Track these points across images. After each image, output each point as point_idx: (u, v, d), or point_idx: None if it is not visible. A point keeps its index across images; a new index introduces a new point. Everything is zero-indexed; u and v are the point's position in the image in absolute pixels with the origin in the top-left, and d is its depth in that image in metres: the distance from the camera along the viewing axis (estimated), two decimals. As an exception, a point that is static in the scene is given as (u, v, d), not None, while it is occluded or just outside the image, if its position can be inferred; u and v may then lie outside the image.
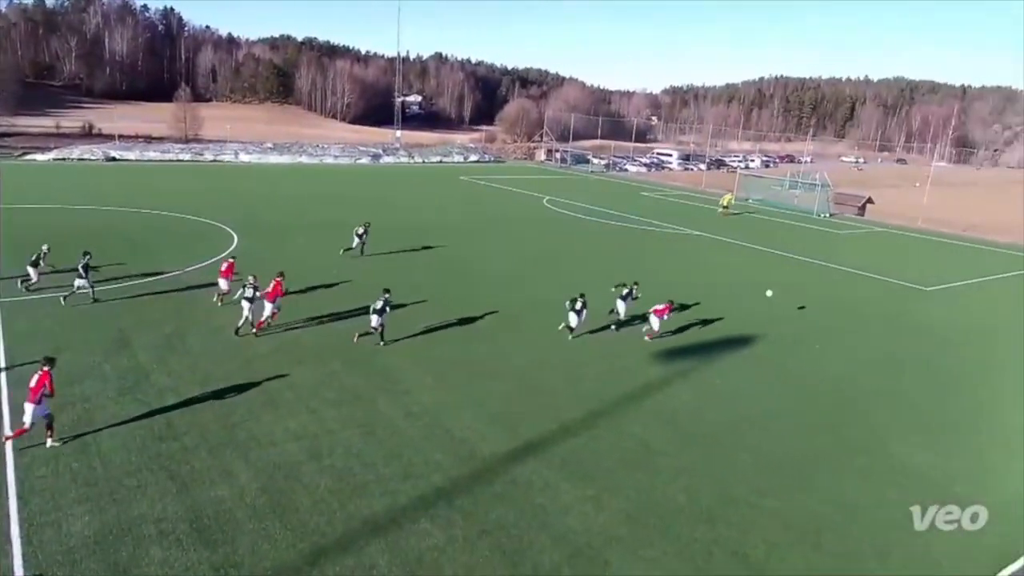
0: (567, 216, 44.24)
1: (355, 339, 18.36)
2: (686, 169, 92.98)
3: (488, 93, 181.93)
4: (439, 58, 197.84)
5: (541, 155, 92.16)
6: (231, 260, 21.97)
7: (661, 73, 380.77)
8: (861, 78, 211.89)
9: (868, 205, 58.11)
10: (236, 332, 18.35)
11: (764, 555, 10.96)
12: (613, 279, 22.66)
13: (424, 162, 77.37)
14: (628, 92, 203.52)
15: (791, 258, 35.48)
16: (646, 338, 20.91)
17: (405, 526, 10.91)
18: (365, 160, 73.71)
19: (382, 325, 18.41)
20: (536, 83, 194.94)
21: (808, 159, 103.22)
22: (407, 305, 21.99)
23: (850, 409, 17.08)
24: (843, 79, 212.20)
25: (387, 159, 75.99)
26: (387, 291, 18.80)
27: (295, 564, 9.89)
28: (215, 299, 21.01)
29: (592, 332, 21.02)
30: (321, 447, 13.06)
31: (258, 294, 18.48)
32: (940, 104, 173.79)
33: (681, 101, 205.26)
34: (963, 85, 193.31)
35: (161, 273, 23.70)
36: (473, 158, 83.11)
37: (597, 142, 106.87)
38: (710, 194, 63.98)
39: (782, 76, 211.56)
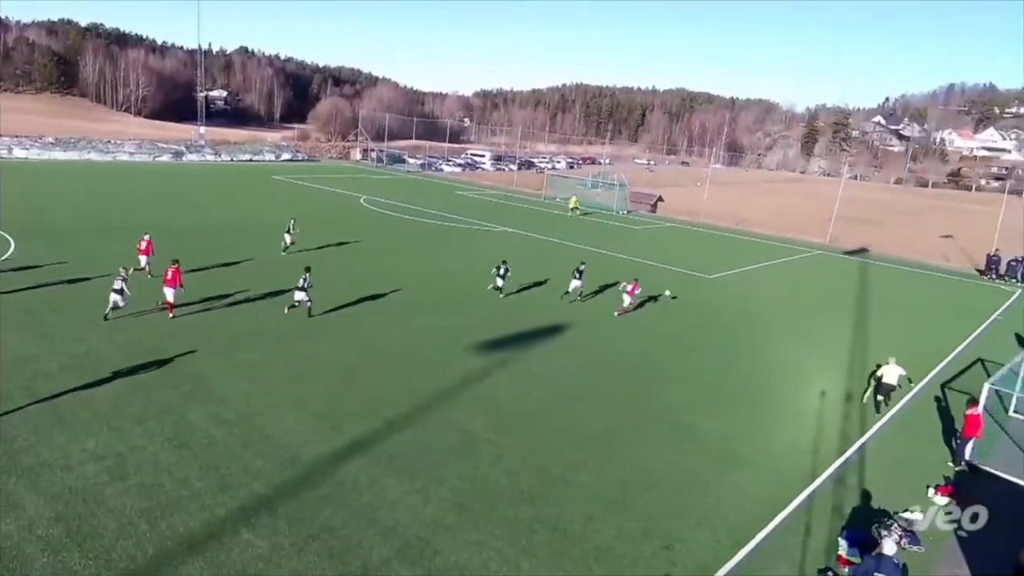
0: (385, 215, 43.71)
1: (286, 310, 20.84)
2: (498, 169, 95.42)
3: (299, 90, 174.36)
4: (245, 52, 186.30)
5: (357, 154, 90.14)
6: (148, 238, 23.75)
7: (472, 76, 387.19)
8: (649, 88, 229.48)
9: (659, 203, 63.28)
10: (104, 318, 18.69)
11: (581, 527, 11.60)
12: (434, 274, 22.79)
13: (233, 160, 72.62)
14: (441, 94, 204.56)
15: (596, 252, 37.68)
16: (615, 313, 24.32)
17: (225, 540, 10.23)
18: (166, 158, 67.69)
19: (309, 300, 20.71)
20: (349, 82, 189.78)
21: (607, 161, 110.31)
22: (217, 308, 20.62)
23: (649, 386, 18.52)
24: (635, 88, 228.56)
25: (191, 157, 70.35)
26: (308, 269, 21.10)
27: (99, 595, 8.93)
28: (143, 269, 22.92)
29: (410, 328, 21.02)
30: (126, 466, 11.87)
31: (127, 287, 18.87)
32: (714, 113, 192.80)
33: (492, 104, 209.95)
34: (732, 97, 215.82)
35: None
36: (286, 157, 79.36)
37: (412, 142, 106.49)
38: (522, 193, 66.29)
39: (582, 84, 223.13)
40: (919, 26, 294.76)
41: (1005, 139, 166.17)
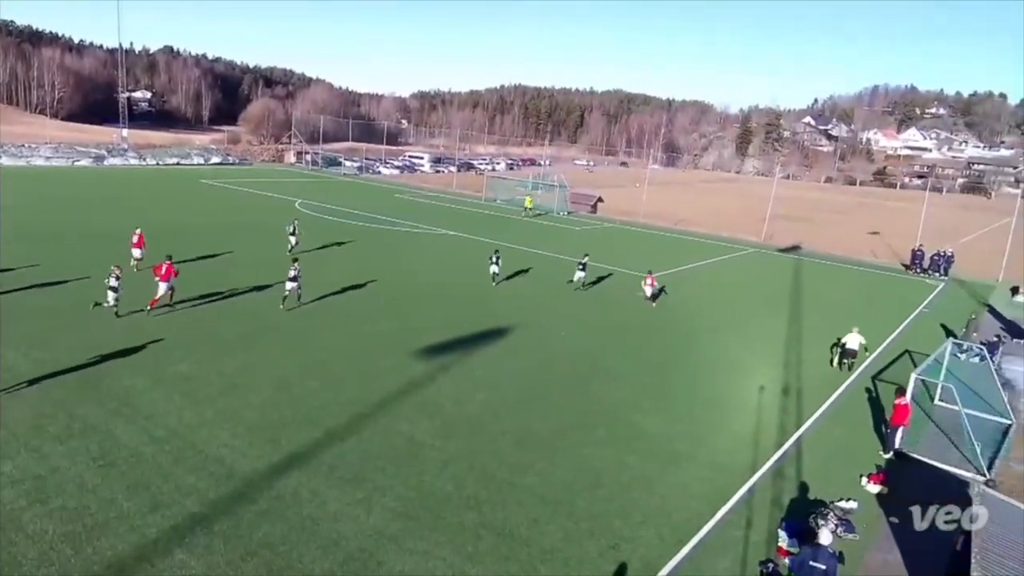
0: (322, 219, 42.96)
1: (293, 303, 22.73)
2: (437, 171, 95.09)
3: (229, 92, 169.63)
4: (170, 52, 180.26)
5: (291, 157, 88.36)
6: (139, 231, 26.08)
7: (409, 77, 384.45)
8: (588, 89, 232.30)
9: (599, 203, 64.15)
10: (116, 314, 19.95)
11: (527, 530, 11.64)
12: (375, 279, 22.54)
13: (159, 164, 70.18)
14: (378, 95, 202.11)
15: (538, 253, 37.92)
16: (651, 304, 28.16)
17: (157, 562, 9.87)
18: (86, 162, 64.93)
19: (299, 289, 22.72)
20: (281, 83, 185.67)
21: (547, 162, 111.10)
22: (150, 319, 19.90)
23: (593, 385, 18.73)
24: (573, 89, 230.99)
25: (113, 161, 67.68)
26: (296, 260, 24.03)
27: (19, 627, 8.48)
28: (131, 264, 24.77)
29: (351, 335, 20.74)
30: (47, 488, 11.31)
31: (122, 285, 20.10)
32: (651, 114, 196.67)
33: (430, 106, 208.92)
34: (669, 98, 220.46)
35: None
36: (215, 160, 77.17)
37: (349, 144, 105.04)
38: (462, 195, 66.18)
39: (520, 85, 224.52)
40: (845, 28, 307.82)
41: (926, 139, 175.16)
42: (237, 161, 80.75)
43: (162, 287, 21.11)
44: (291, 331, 20.64)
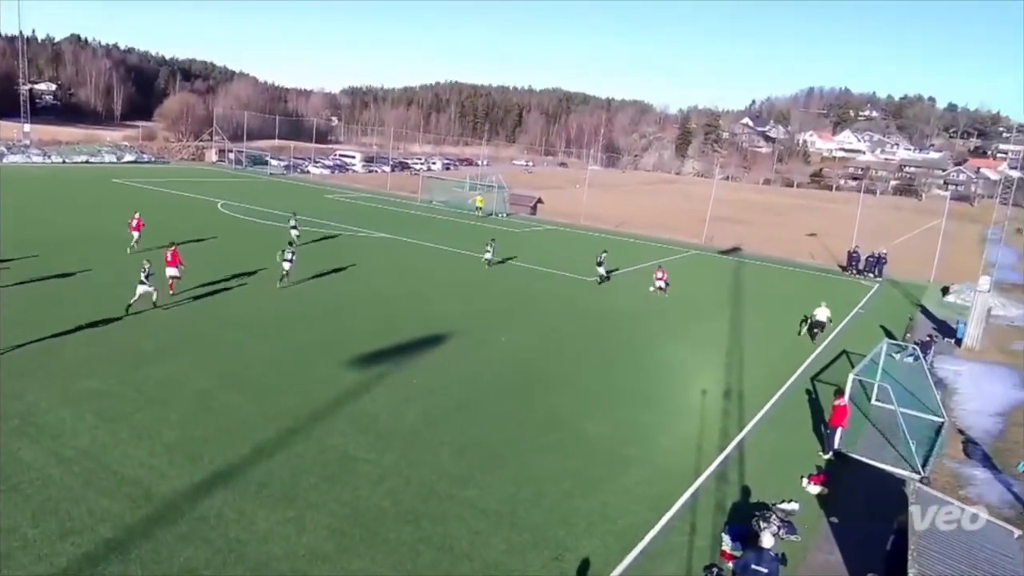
0: (247, 221, 41.94)
1: (277, 285, 25.92)
2: (370, 171, 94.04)
3: (143, 85, 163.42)
4: (77, 41, 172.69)
5: (212, 156, 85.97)
6: (138, 215, 30.57)
7: (339, 73, 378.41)
8: (526, 87, 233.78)
9: (539, 205, 64.64)
10: (126, 309, 21.24)
11: (469, 544, 11.61)
12: (305, 285, 22.14)
13: (65, 162, 67.14)
14: (306, 91, 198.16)
15: (476, 257, 37.93)
16: (652, 289, 32.47)
17: (66, 593, 9.43)
18: (-19, 160, 61.61)
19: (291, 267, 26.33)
20: (201, 76, 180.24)
21: (485, 162, 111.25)
22: (56, 330, 19.01)
23: (534, 392, 18.84)
24: (511, 87, 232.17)
25: (13, 158, 64.33)
26: (291, 243, 29.79)
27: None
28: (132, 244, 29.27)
29: (279, 344, 20.32)
30: (-61, 518, 10.68)
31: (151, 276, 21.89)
32: (591, 114, 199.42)
33: (361, 103, 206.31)
34: (608, 98, 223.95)
35: None
36: (129, 158, 74.29)
37: (275, 142, 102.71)
38: (396, 196, 65.64)
39: (456, 82, 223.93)
40: (781, 29, 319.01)
41: (860, 141, 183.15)
42: (153, 159, 78.02)
43: (169, 271, 23.74)
44: (214, 341, 20.06)
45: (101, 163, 69.86)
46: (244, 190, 57.70)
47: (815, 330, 26.63)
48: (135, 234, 30.02)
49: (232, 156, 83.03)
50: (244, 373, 17.89)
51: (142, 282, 21.72)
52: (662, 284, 32.50)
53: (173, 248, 24.12)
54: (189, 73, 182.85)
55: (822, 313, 26.84)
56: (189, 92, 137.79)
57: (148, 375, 17.06)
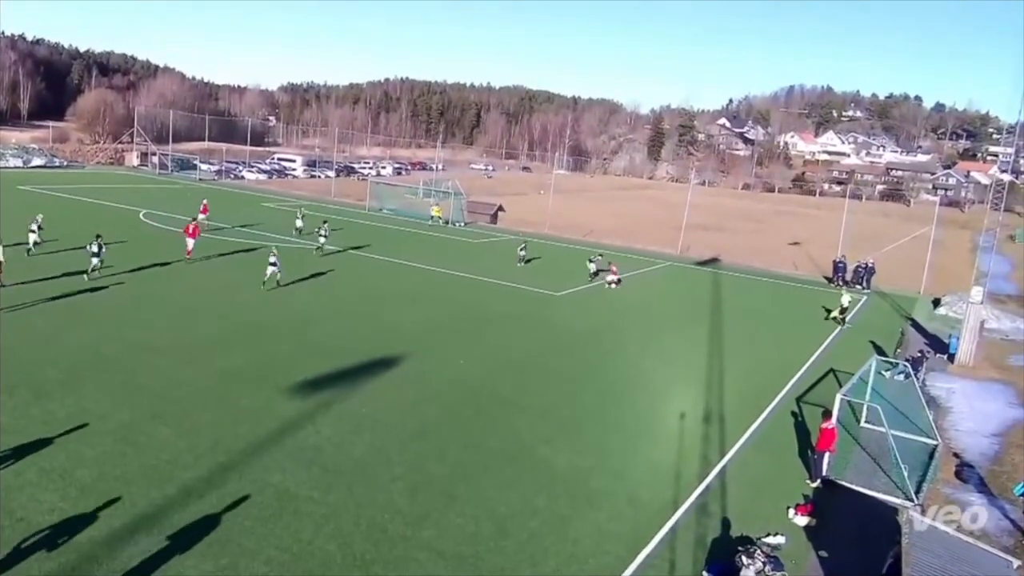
0: (173, 233, 41.18)
1: (272, 285, 29.56)
2: (312, 176, 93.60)
3: (54, 81, 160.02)
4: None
5: (134, 159, 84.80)
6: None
7: (277, 67, 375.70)
8: (484, 85, 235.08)
9: (500, 213, 64.84)
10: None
11: (424, 590, 11.48)
12: (236, 304, 21.78)
13: (-38, 167, 65.42)
14: (240, 88, 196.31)
15: (431, 270, 37.83)
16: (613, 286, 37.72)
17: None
18: None
19: (278, 271, 29.81)
20: (120, 71, 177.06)
21: (440, 166, 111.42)
22: None
23: (495, 417, 18.81)
24: (468, 85, 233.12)
25: (-98, 163, 62.52)
26: (325, 221, 38.27)
27: None
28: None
29: (206, 370, 19.96)
30: None
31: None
32: (556, 114, 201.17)
33: (302, 100, 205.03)
34: (574, 96, 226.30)
35: None
36: (37, 162, 72.71)
37: (205, 144, 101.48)
38: (341, 203, 65.24)
39: (408, 79, 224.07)
40: (759, 25, 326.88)
41: (844, 143, 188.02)
42: (65, 164, 76.51)
43: (190, 242, 33.19)
44: (131, 368, 19.59)
45: (5, 168, 68.11)
46: (170, 198, 56.86)
47: (843, 315, 33.91)
48: (201, 217, 38.66)
49: (156, 160, 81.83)
50: (167, 404, 17.48)
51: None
52: (615, 279, 38.13)
53: (194, 222, 33.99)
54: (107, 67, 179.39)
55: (846, 299, 34.77)
56: (107, 88, 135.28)
57: (56, 407, 16.56)
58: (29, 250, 30.90)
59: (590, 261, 40.31)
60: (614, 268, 39.03)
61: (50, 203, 48.66)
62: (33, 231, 31.34)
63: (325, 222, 40.72)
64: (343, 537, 12.66)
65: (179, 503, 13.16)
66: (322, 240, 39.19)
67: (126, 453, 14.84)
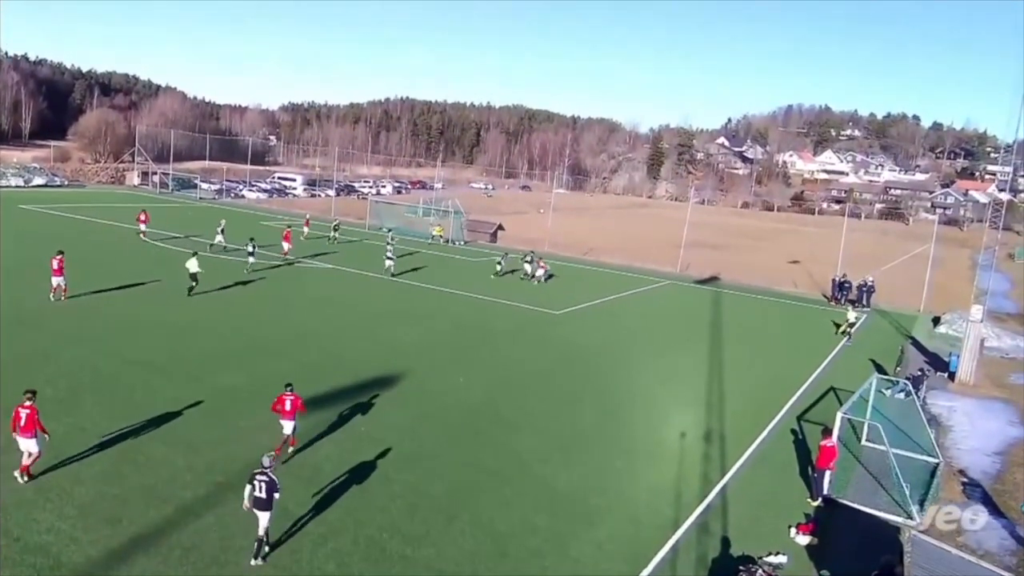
0: (174, 251, 41.23)
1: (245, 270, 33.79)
2: (312, 195, 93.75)
3: (56, 101, 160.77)
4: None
5: (134, 178, 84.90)
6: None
7: (278, 88, 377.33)
8: (484, 104, 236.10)
9: (500, 232, 64.97)
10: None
11: (423, 610, 11.40)
12: (237, 323, 21.77)
13: (-36, 187, 65.59)
14: (241, 107, 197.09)
15: (431, 289, 37.85)
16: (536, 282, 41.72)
17: None
18: None
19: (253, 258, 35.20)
20: (122, 91, 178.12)
21: (440, 185, 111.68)
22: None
23: (494, 436, 18.79)
24: (468, 104, 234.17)
25: (-97, 182, 62.70)
26: (252, 239, 37.30)
27: None
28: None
29: (204, 389, 19.92)
30: None
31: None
32: (555, 133, 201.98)
33: (303, 120, 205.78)
34: (573, 115, 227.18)
35: None
36: (38, 182, 72.86)
37: (206, 164, 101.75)
38: (342, 223, 65.30)
39: (408, 98, 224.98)
40: (757, 46, 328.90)
41: (842, 161, 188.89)
42: (66, 183, 76.70)
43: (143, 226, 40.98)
44: (128, 385, 19.58)
45: (7, 187, 68.28)
46: (170, 217, 56.82)
47: (849, 330, 35.13)
48: (142, 226, 42.50)
49: (156, 179, 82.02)
50: (164, 422, 17.44)
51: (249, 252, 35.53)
52: (540, 272, 42.78)
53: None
54: (108, 87, 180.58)
55: (851, 315, 36.18)
56: (108, 108, 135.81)
57: (53, 425, 16.47)
58: (212, 245, 40.94)
59: (527, 262, 43.95)
60: (543, 264, 43.93)
61: (51, 222, 48.79)
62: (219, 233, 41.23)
63: (223, 220, 43.67)
64: (342, 556, 12.60)
65: (177, 523, 13.11)
66: (251, 260, 36.97)
67: (125, 472, 14.82)
